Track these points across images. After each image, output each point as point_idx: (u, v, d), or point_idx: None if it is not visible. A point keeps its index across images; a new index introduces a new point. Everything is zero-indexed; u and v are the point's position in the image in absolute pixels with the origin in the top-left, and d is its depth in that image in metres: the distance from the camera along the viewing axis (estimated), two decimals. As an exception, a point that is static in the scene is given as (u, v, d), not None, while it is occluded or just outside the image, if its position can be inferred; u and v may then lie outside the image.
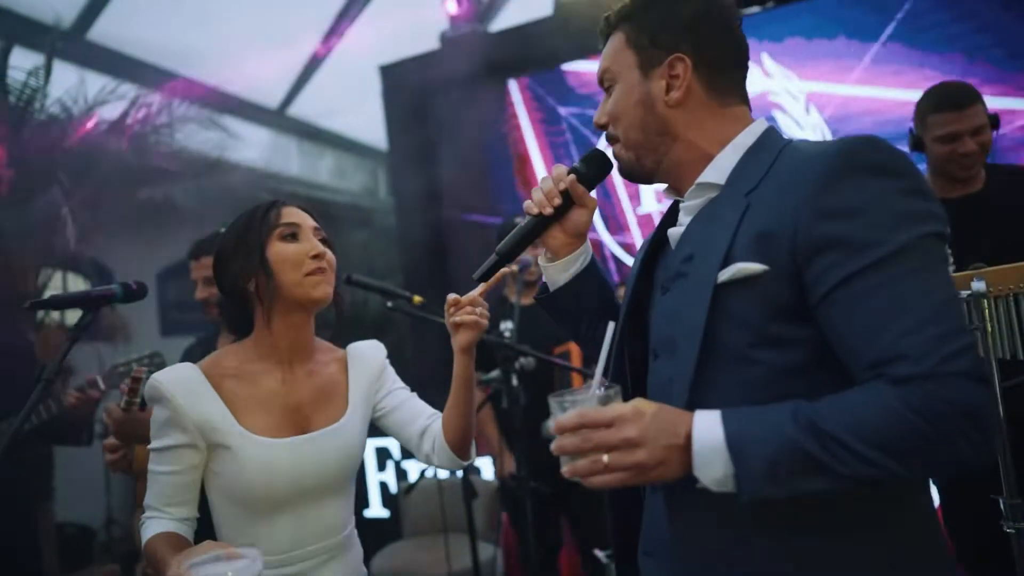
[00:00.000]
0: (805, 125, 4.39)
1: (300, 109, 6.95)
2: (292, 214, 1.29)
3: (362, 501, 3.71)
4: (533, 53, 4.82)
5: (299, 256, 1.25)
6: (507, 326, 2.41)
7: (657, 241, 1.09)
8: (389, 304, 1.97)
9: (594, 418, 0.79)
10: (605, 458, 0.77)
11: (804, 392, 0.81)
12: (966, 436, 0.74)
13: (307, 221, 1.30)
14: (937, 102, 1.93)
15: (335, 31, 6.21)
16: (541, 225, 1.12)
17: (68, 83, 4.05)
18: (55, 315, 3.90)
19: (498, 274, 1.19)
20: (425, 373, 4.80)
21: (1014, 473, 1.42)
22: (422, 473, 3.12)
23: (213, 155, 4.48)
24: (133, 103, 3.99)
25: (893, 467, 0.75)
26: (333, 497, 1.29)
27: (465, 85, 4.91)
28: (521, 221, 1.15)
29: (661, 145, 1.01)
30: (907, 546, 0.86)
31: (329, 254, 1.29)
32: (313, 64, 6.50)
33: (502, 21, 5.72)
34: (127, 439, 1.69)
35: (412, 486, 2.57)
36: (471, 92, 4.95)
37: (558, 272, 1.16)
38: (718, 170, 0.97)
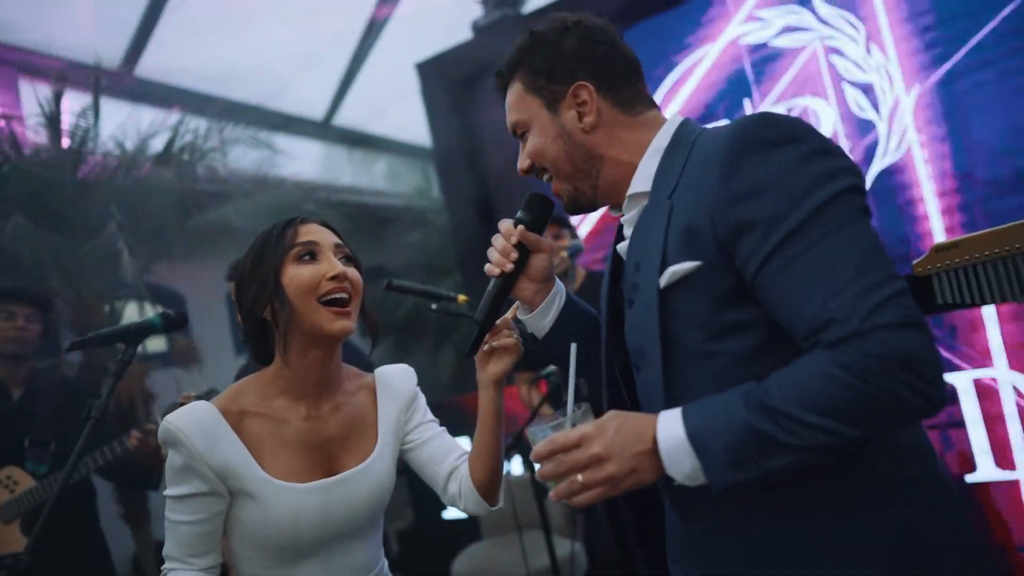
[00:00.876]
0: (867, 67, 4.08)
1: (345, 118, 7.02)
2: (310, 231, 1.19)
3: (440, 503, 3.70)
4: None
5: (315, 279, 1.14)
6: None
7: (615, 258, 1.11)
8: (434, 307, 1.91)
9: (562, 443, 0.83)
10: (579, 477, 0.81)
11: (773, 371, 0.82)
12: (908, 385, 0.74)
13: (327, 239, 1.20)
14: None
15: (369, 34, 6.22)
16: (508, 284, 1.12)
17: (119, 119, 4.19)
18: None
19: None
20: (464, 373, 4.76)
21: None
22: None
23: (261, 173, 4.56)
24: (176, 130, 4.08)
25: (845, 431, 0.76)
26: (362, 538, 1.22)
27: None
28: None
29: (591, 169, 1.04)
30: (912, 516, 0.84)
31: (352, 274, 1.18)
32: (352, 71, 6.53)
33: (533, 2, 5.58)
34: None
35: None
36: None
37: (539, 320, 1.16)
38: (643, 178, 1.00)
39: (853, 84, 4.12)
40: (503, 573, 2.79)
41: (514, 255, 1.09)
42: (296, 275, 1.14)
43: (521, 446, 3.22)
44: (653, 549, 1.09)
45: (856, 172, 0.84)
